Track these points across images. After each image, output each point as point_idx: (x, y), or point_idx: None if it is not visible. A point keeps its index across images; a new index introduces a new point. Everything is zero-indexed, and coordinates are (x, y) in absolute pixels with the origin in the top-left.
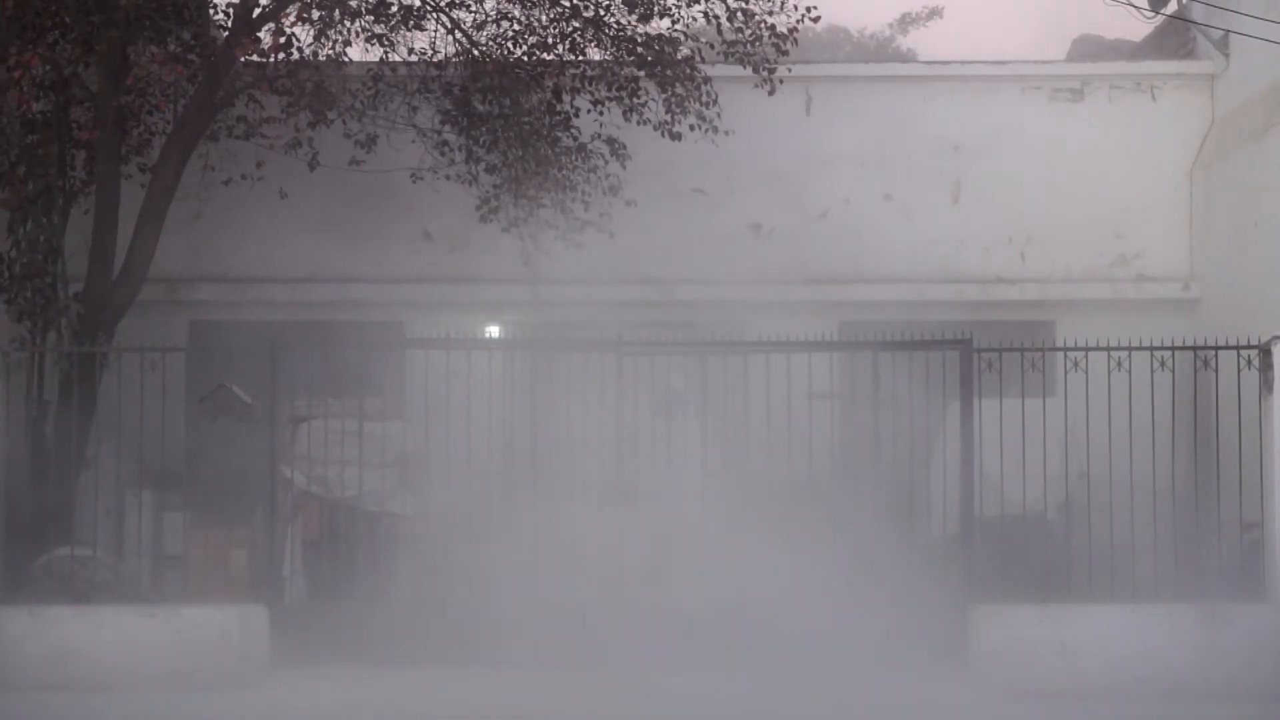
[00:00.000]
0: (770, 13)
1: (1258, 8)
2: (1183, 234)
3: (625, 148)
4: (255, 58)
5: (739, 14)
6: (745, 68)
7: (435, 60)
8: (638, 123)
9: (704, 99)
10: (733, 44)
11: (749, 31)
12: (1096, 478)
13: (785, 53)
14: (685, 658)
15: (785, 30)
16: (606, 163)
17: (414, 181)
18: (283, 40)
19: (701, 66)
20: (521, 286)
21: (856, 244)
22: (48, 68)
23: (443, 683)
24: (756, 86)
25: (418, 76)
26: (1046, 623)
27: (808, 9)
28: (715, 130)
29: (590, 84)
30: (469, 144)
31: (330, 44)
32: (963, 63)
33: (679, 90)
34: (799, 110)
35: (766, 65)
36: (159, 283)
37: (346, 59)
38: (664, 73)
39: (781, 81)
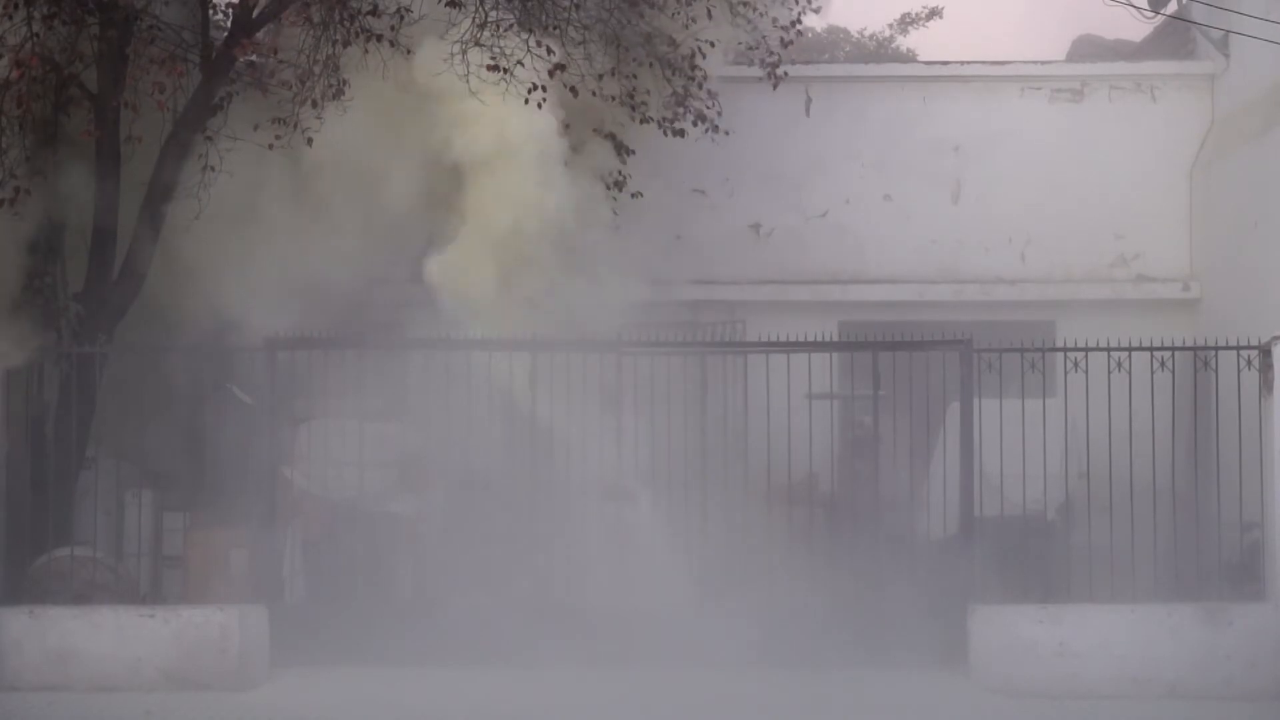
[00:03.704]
0: (771, 3)
1: (1258, 8)
2: (1183, 234)
3: (625, 146)
4: (254, 57)
5: (741, 7)
6: (750, 64)
7: None
8: (640, 121)
9: (704, 99)
10: (743, 49)
11: (750, 25)
12: (1096, 478)
13: (789, 43)
14: (684, 656)
15: (787, 23)
16: (608, 159)
17: None
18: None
19: (702, 64)
20: None
21: (856, 244)
22: (48, 68)
23: (443, 683)
24: (760, 80)
25: None
26: (1046, 623)
27: (808, 0)
28: (716, 129)
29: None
30: None
31: (330, 44)
32: (963, 63)
33: (679, 89)
34: (799, 110)
35: (770, 58)
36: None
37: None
38: (664, 70)
39: (785, 74)
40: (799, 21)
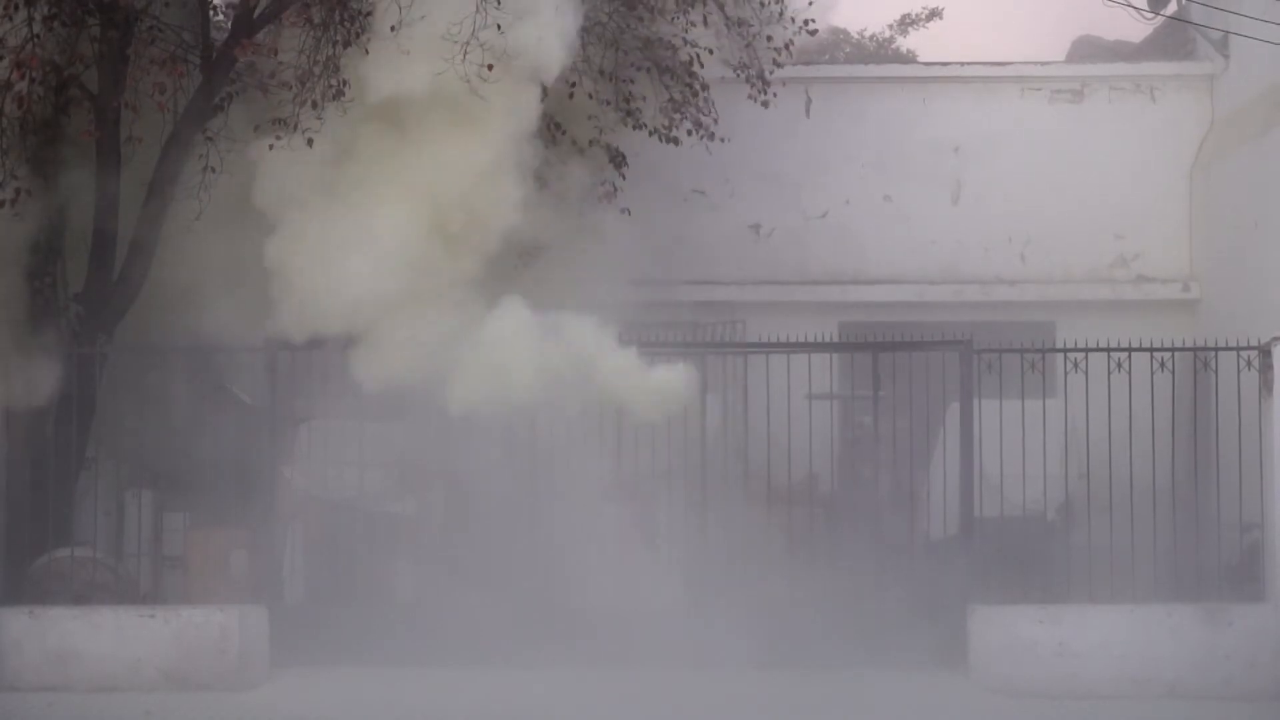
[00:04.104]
0: (767, 22)
1: (1257, 8)
2: (1182, 235)
3: (624, 156)
4: (254, 58)
5: (736, 24)
6: (739, 78)
7: None
8: (633, 127)
9: (701, 104)
10: (738, 66)
11: (745, 42)
12: (1096, 478)
13: (780, 65)
14: (684, 656)
15: (782, 44)
16: (603, 169)
17: None
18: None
19: (700, 71)
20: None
21: (856, 244)
22: (48, 68)
23: (443, 683)
24: (751, 99)
25: None
26: (1046, 623)
27: (805, 21)
28: (712, 138)
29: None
30: None
31: (330, 44)
32: (963, 64)
33: (676, 96)
34: (799, 112)
35: (761, 79)
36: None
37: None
38: (662, 76)
39: (775, 95)
40: (792, 43)
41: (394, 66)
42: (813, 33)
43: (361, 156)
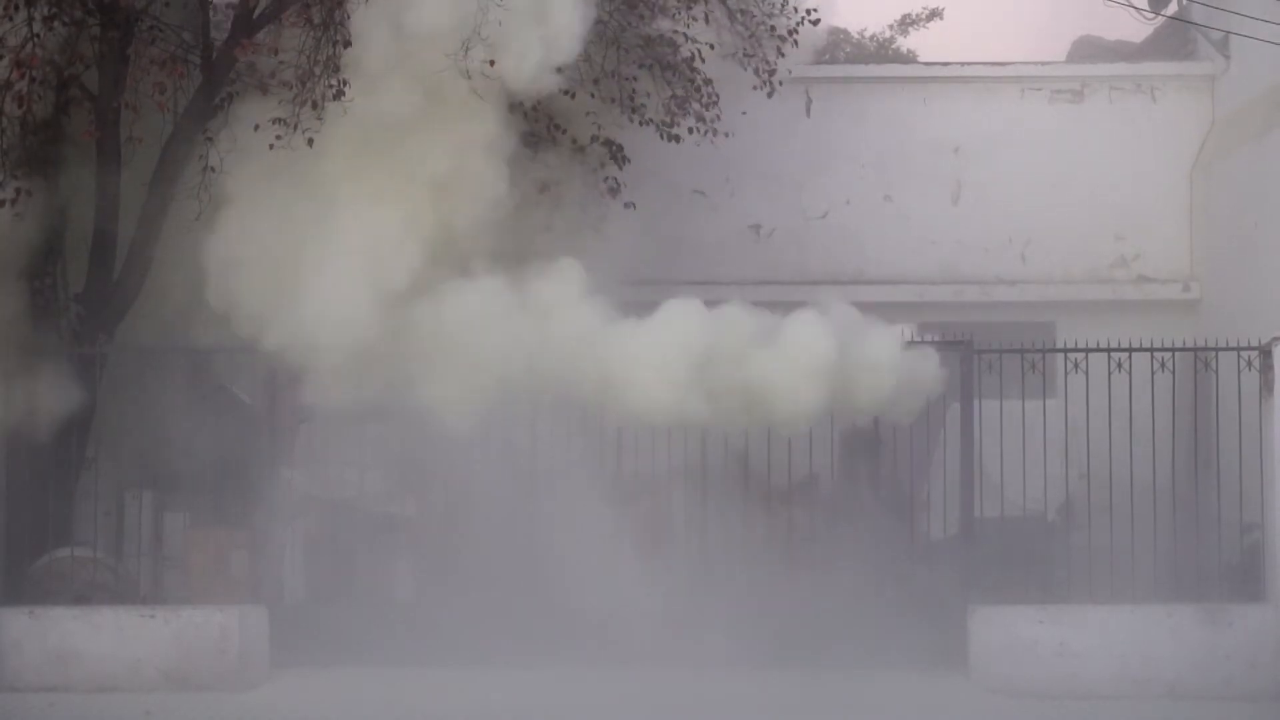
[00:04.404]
0: (770, 15)
1: (1258, 9)
2: (1183, 235)
3: (622, 149)
4: (254, 58)
5: (739, 15)
6: (746, 69)
7: None
8: (640, 123)
9: (704, 100)
10: (740, 57)
11: (748, 33)
12: (1096, 478)
13: (783, 55)
14: (684, 657)
15: (785, 32)
16: (604, 165)
17: None
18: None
19: (701, 67)
20: None
21: (856, 245)
22: (48, 68)
23: (443, 683)
24: (756, 89)
25: None
26: (1046, 623)
27: (808, 11)
28: (715, 133)
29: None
30: None
31: (330, 45)
32: (963, 64)
33: (678, 92)
34: (799, 111)
35: (766, 68)
36: None
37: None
38: (664, 73)
39: (781, 84)
40: (795, 32)
41: (392, 66)
42: (815, 23)
43: (349, 156)
